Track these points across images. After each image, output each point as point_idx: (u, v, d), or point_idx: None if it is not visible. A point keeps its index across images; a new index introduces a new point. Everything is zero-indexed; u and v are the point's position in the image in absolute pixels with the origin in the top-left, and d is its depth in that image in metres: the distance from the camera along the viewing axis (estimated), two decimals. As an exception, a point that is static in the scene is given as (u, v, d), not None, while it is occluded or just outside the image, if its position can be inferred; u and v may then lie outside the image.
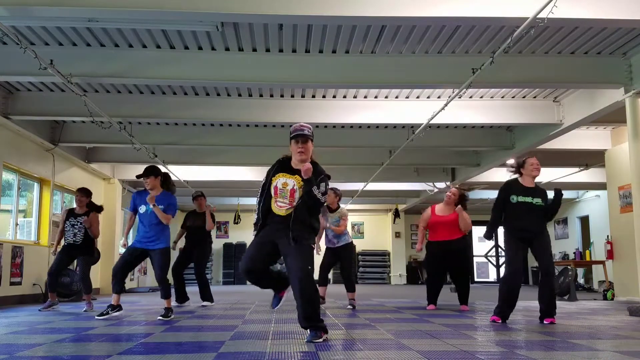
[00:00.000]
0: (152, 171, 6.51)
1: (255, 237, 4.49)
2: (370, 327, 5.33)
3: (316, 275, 5.52)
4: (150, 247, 6.35)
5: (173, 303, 8.51)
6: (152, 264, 6.48)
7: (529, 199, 5.79)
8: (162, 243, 6.38)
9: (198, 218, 8.89)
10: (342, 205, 8.38)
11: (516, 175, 6.05)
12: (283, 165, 4.53)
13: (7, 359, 3.55)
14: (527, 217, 5.78)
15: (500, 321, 5.79)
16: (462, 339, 4.46)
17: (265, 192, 4.49)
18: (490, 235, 6.13)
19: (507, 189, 5.97)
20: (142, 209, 6.44)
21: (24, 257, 9.99)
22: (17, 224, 10.42)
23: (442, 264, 7.88)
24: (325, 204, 7.84)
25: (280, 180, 4.43)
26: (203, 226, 8.78)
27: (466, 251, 8.02)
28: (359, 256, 23.01)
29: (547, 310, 5.78)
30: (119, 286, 6.38)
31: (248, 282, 4.45)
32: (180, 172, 14.03)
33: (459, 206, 7.79)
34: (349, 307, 7.88)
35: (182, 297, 8.69)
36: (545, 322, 5.74)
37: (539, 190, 5.92)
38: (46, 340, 4.45)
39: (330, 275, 7.87)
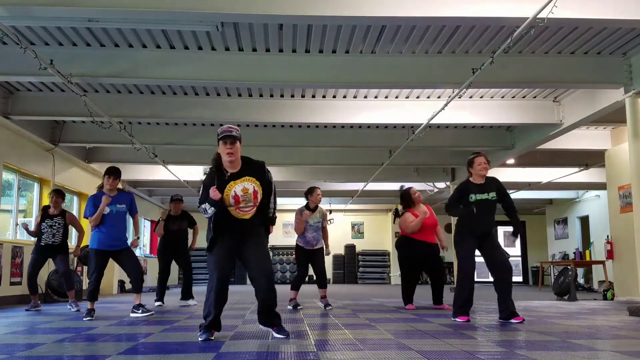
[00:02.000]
0: (120, 174, 6.86)
1: (219, 246, 4.43)
2: (370, 327, 5.33)
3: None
4: (122, 246, 6.62)
5: (158, 303, 8.66)
6: (123, 262, 6.67)
7: (485, 196, 5.91)
8: (127, 243, 6.76)
9: (180, 221, 9.07)
10: (319, 205, 8.01)
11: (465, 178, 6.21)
12: (221, 173, 4.46)
13: (7, 359, 3.55)
14: (485, 214, 5.92)
15: (469, 319, 5.82)
16: (462, 339, 4.46)
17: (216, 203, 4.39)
18: (459, 239, 6.08)
19: (464, 190, 6.03)
20: (106, 210, 6.54)
21: (24, 257, 9.98)
22: (17, 224, 10.42)
23: (420, 264, 7.99)
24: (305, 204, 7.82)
25: (237, 187, 4.40)
26: (186, 229, 9.10)
27: (439, 254, 8.15)
28: (359, 256, 23.02)
29: (512, 310, 5.80)
30: (97, 294, 6.57)
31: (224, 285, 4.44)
32: (180, 172, 14.02)
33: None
34: (329, 307, 7.77)
35: (163, 297, 8.88)
36: (514, 321, 5.72)
37: (489, 184, 6.01)
38: (46, 340, 4.45)
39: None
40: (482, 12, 5.92)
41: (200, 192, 4.51)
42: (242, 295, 12.17)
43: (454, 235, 6.18)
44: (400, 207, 8.43)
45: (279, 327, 4.52)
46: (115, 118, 9.34)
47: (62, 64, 7.15)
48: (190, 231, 9.30)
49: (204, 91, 9.30)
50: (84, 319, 6.36)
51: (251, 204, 4.44)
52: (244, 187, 4.41)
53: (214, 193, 4.31)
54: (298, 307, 7.81)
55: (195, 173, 14.64)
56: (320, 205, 7.99)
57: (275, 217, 4.69)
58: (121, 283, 14.95)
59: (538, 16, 5.66)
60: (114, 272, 14.26)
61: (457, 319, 5.82)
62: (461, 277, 5.95)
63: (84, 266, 10.80)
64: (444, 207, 6.30)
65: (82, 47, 7.43)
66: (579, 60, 7.83)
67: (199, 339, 4.37)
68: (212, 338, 4.38)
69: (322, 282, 7.93)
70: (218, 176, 4.44)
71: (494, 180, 6.07)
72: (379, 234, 23.39)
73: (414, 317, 6.51)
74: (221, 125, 11.65)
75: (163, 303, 8.76)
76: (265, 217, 4.57)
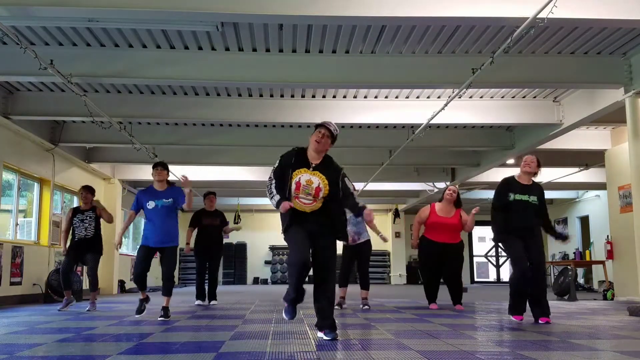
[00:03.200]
0: (166, 165, 6.72)
1: (291, 230, 4.40)
2: (370, 327, 5.33)
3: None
4: (167, 244, 6.44)
5: (198, 302, 8.76)
6: (160, 260, 6.57)
7: (525, 197, 5.81)
8: (174, 241, 6.50)
9: (214, 217, 8.97)
10: None
11: (514, 174, 6.08)
12: (302, 159, 4.49)
13: (7, 359, 3.55)
14: (523, 215, 5.80)
15: (523, 318, 5.82)
16: (462, 339, 4.46)
17: (284, 182, 4.44)
18: (501, 238, 5.99)
19: (506, 186, 5.93)
20: (151, 204, 6.41)
21: (24, 257, 9.99)
22: (17, 224, 10.41)
23: (439, 264, 7.85)
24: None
25: (303, 176, 4.40)
26: (219, 226, 8.98)
27: (462, 253, 8.02)
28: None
29: (542, 310, 5.80)
30: (144, 284, 6.57)
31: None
32: (180, 172, 13.99)
33: (460, 208, 7.85)
34: (366, 307, 7.75)
35: (204, 296, 8.91)
36: (541, 321, 5.74)
37: (535, 188, 5.93)
38: (46, 340, 4.45)
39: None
40: (482, 12, 5.92)
41: (275, 165, 4.55)
42: (242, 296, 12.18)
43: (495, 236, 6.05)
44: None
45: (329, 329, 4.36)
46: (115, 118, 9.34)
47: (62, 64, 7.15)
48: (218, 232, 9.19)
49: (204, 91, 9.31)
50: (136, 315, 6.52)
51: (311, 198, 4.39)
52: (310, 179, 4.40)
53: (284, 207, 4.34)
54: (343, 306, 7.79)
55: (195, 173, 14.64)
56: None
57: (347, 235, 4.71)
58: (121, 283, 14.94)
59: (538, 16, 5.66)
60: (114, 272, 14.26)
61: (511, 317, 5.88)
62: (512, 276, 5.92)
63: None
64: (491, 206, 6.03)
65: (82, 47, 7.43)
66: (579, 60, 7.83)
67: (285, 317, 4.46)
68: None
69: (365, 282, 7.96)
70: (297, 157, 4.50)
71: (539, 187, 5.98)
72: (379, 234, 23.35)
73: (414, 317, 6.51)
74: (221, 125, 11.70)
75: (203, 301, 8.84)
76: (335, 227, 4.50)
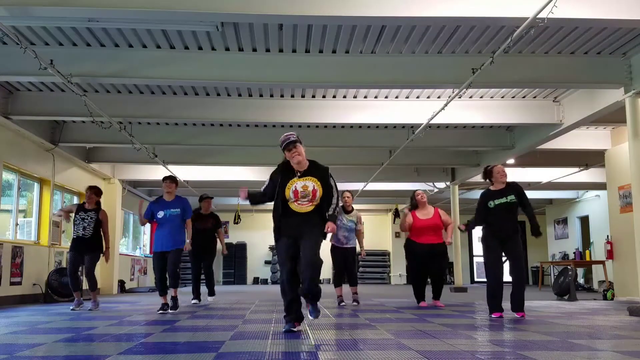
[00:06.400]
0: (175, 179, 7.56)
1: (280, 242, 4.92)
2: (370, 327, 5.33)
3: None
4: (172, 247, 7.20)
5: (193, 301, 9.08)
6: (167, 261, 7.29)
7: (503, 200, 6.38)
8: (179, 245, 7.26)
9: (206, 220, 9.06)
10: (354, 208, 8.68)
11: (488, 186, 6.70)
12: (289, 171, 4.96)
13: (7, 359, 3.55)
14: (505, 217, 6.37)
15: (502, 314, 6.36)
16: (462, 339, 4.46)
17: (278, 195, 4.90)
18: (473, 227, 6.78)
19: (485, 198, 6.53)
20: (161, 214, 7.22)
21: (24, 257, 9.99)
22: (17, 224, 10.41)
23: (425, 263, 8.26)
24: (340, 205, 8.32)
25: (297, 184, 4.90)
26: (211, 228, 9.23)
27: (447, 254, 8.48)
28: (359, 256, 22.99)
29: (519, 306, 6.39)
30: (164, 289, 7.21)
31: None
32: (180, 172, 14.02)
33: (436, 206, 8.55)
34: (354, 303, 8.19)
35: (199, 297, 9.21)
36: (517, 315, 6.35)
37: (510, 188, 6.49)
38: (46, 340, 4.46)
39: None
40: (482, 12, 5.92)
41: (266, 183, 5.09)
42: (242, 296, 12.18)
43: (480, 239, 6.67)
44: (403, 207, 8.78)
45: (312, 306, 4.86)
46: (115, 118, 9.34)
47: (62, 64, 7.15)
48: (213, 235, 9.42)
49: (204, 91, 9.30)
50: (157, 312, 7.09)
51: (308, 199, 4.88)
52: (304, 184, 4.91)
53: (242, 193, 5.13)
54: (342, 304, 8.28)
55: (195, 173, 14.65)
56: (355, 209, 8.69)
57: (336, 215, 5.05)
58: (121, 283, 14.94)
59: (538, 16, 5.66)
60: (114, 272, 14.26)
61: (492, 315, 6.40)
62: (488, 280, 6.50)
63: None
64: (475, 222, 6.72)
65: (82, 47, 7.43)
66: (579, 60, 7.83)
67: (283, 330, 4.82)
68: (294, 330, 4.78)
69: (352, 280, 8.67)
70: (284, 172, 4.97)
71: (514, 184, 6.54)
72: (379, 234, 23.38)
73: (414, 317, 6.51)
74: (221, 125, 11.70)
75: (200, 301, 9.12)
76: (323, 216, 4.94)
